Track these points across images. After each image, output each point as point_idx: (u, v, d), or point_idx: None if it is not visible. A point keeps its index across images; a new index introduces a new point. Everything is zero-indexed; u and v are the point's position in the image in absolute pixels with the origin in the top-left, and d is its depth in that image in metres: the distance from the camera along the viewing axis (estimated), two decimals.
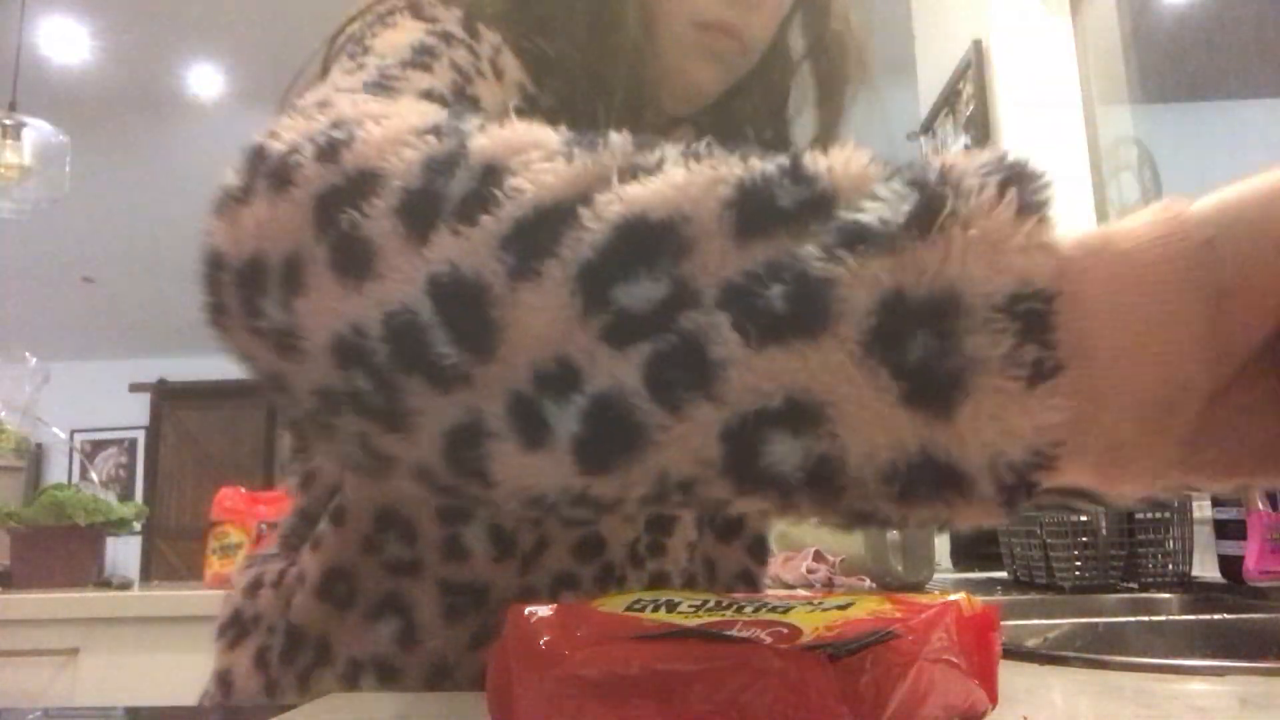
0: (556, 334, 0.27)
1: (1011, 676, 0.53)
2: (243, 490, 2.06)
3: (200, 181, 0.36)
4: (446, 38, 0.53)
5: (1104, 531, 1.35)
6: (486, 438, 0.29)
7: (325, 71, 0.55)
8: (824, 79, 0.68)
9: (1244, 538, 1.17)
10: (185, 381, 6.97)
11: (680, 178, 0.28)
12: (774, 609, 0.39)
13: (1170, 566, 1.33)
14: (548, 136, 0.31)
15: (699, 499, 0.28)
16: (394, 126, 0.33)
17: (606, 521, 0.58)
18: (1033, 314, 0.24)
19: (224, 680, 0.58)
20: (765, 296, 0.25)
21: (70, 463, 6.17)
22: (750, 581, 0.68)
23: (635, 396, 0.27)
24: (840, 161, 0.27)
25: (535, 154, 0.30)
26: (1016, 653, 0.64)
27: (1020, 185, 0.25)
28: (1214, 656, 0.94)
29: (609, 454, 0.27)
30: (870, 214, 0.25)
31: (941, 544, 1.90)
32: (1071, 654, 0.63)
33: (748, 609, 0.39)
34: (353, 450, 0.33)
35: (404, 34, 0.52)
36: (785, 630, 0.35)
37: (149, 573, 6.14)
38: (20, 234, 4.61)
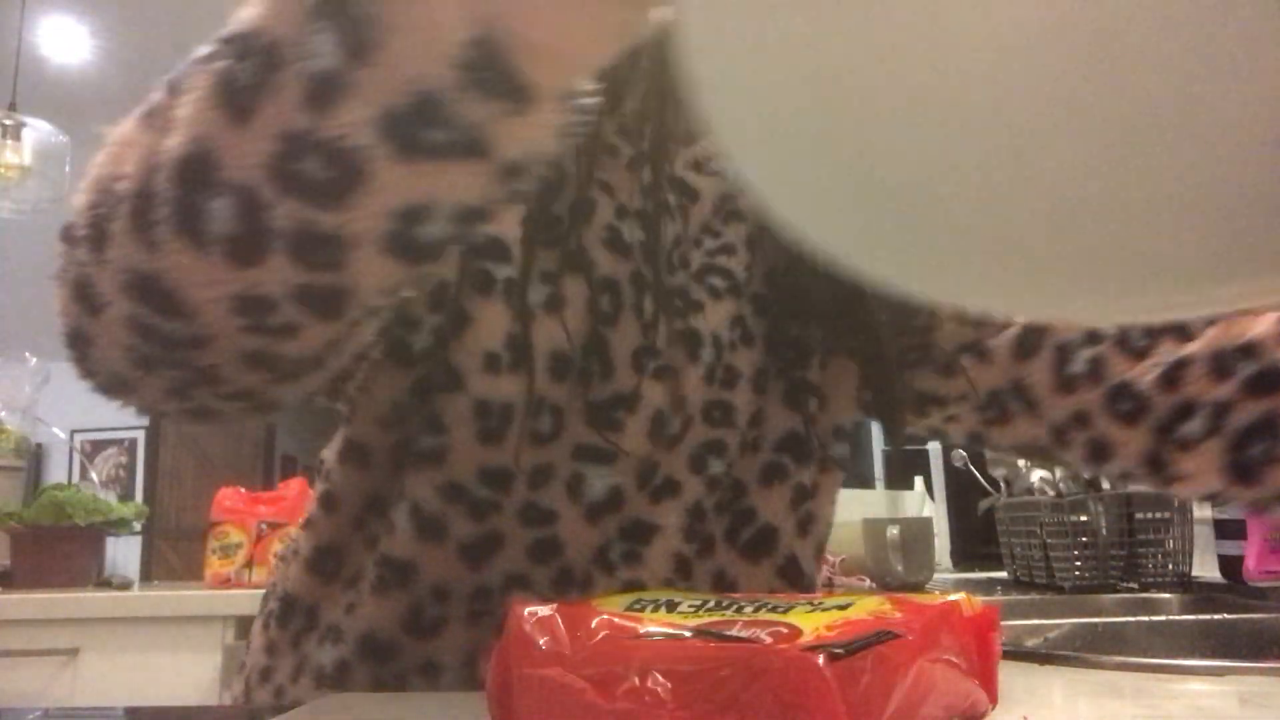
0: (216, 277, 0.34)
1: (1011, 676, 0.53)
2: (243, 490, 2.06)
3: None
4: None
5: (1104, 531, 1.35)
6: (269, 358, 0.38)
7: None
8: None
9: (1244, 538, 1.17)
10: None
11: (184, 105, 0.32)
12: (774, 609, 0.39)
13: (1170, 566, 1.33)
14: (128, 125, 0.36)
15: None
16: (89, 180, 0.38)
17: (565, 525, 0.57)
18: (498, 69, 0.28)
19: (250, 640, 0.65)
20: (306, 171, 0.30)
21: (70, 463, 6.17)
22: None
23: (325, 285, 0.34)
24: (266, 12, 0.30)
25: (120, 149, 0.35)
26: (1016, 653, 0.64)
27: None
28: (1214, 656, 0.94)
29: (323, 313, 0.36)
30: (321, 59, 0.29)
31: (941, 544, 1.90)
32: (1071, 654, 0.64)
33: (748, 609, 0.39)
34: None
35: None
36: (785, 630, 0.35)
37: (149, 573, 6.14)
38: (20, 234, 4.61)
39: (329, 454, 0.63)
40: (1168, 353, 0.58)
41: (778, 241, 0.64)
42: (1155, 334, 0.59)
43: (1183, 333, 0.58)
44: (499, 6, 0.28)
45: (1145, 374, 0.58)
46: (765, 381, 0.63)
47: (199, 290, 0.34)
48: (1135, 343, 0.59)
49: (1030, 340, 0.62)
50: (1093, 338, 0.60)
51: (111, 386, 0.41)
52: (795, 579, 0.65)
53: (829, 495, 0.67)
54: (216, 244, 0.32)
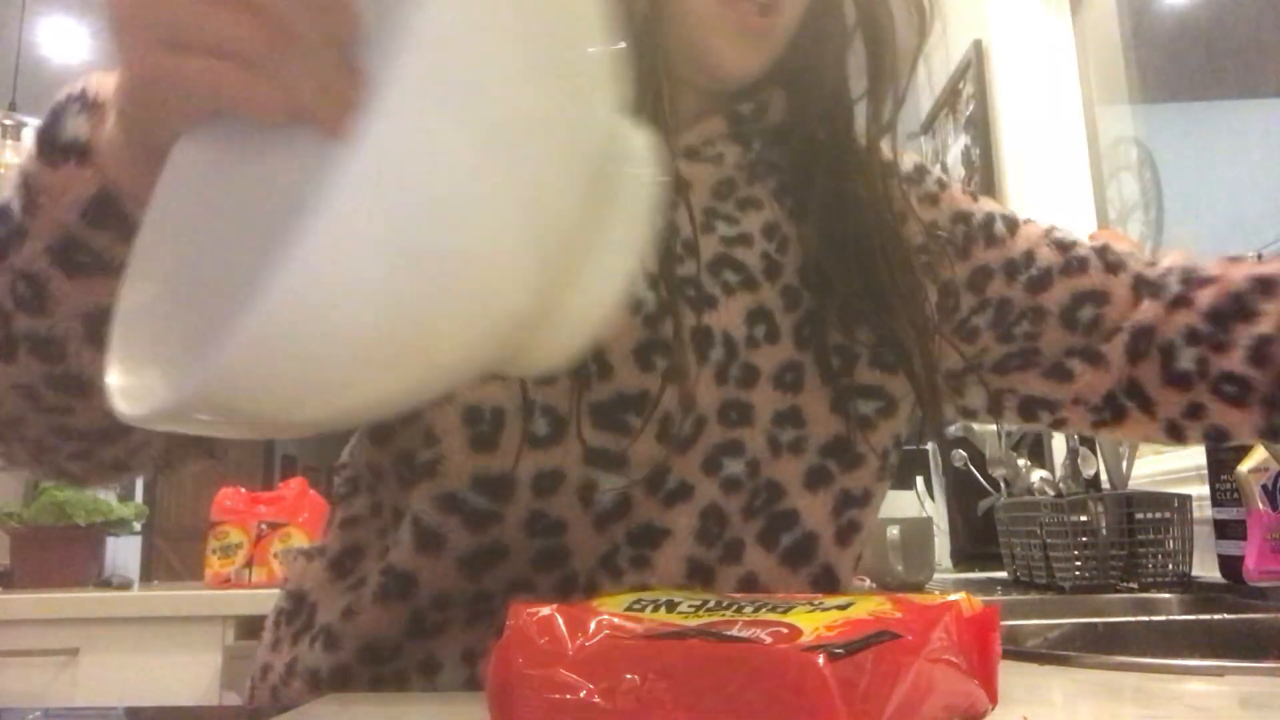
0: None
1: (1011, 676, 0.53)
2: (243, 490, 2.06)
3: None
4: None
5: (1104, 531, 1.35)
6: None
7: None
8: (875, 46, 0.64)
9: (1244, 538, 1.17)
10: None
11: None
12: (774, 609, 0.39)
13: (1170, 566, 1.33)
14: None
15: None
16: None
17: (574, 534, 0.56)
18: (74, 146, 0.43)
19: (263, 636, 0.67)
20: (20, 290, 0.45)
21: None
22: None
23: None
24: (9, 187, 0.45)
25: None
26: (1016, 653, 0.64)
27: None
28: (1214, 656, 0.94)
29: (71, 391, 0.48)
30: (15, 214, 0.45)
31: (941, 544, 1.90)
32: (1071, 654, 0.64)
33: (748, 609, 0.39)
34: None
35: None
36: (785, 630, 0.35)
37: (149, 573, 6.13)
38: None
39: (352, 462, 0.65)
40: (1244, 334, 0.62)
41: (809, 231, 0.64)
42: (1228, 324, 0.63)
43: (1247, 314, 0.63)
44: (114, 174, 0.41)
45: (1238, 357, 0.63)
46: (799, 378, 0.60)
47: None
48: (1220, 337, 0.63)
49: (1140, 344, 0.66)
50: (1191, 337, 0.64)
51: None
52: (829, 589, 0.63)
53: (878, 506, 0.67)
54: None
